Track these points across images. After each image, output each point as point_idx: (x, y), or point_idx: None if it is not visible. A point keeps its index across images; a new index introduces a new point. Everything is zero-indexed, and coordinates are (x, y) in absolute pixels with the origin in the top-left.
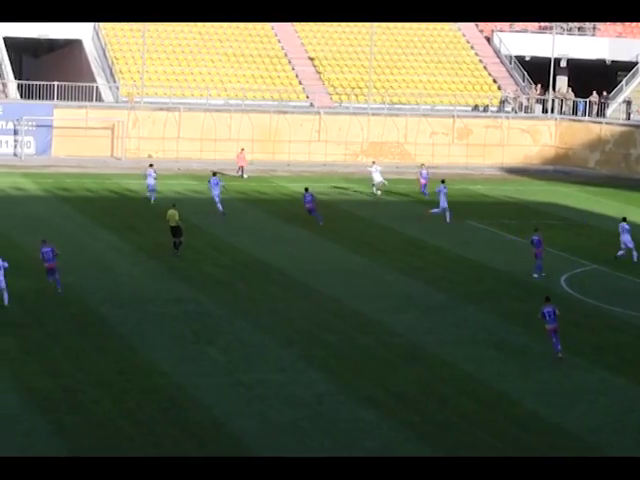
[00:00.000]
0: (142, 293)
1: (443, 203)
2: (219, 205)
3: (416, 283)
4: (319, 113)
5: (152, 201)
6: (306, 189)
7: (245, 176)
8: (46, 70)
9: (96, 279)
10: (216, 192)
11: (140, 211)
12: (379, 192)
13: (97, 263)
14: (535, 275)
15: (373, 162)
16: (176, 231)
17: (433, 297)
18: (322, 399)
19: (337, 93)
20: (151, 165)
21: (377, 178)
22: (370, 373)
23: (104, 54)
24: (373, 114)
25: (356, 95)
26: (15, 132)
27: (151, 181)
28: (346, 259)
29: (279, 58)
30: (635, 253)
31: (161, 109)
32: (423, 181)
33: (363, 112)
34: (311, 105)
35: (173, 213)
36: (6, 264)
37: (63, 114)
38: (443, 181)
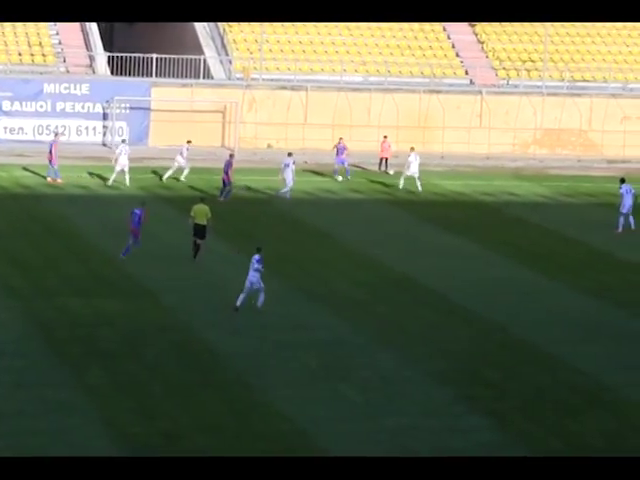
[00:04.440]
0: (261, 317)
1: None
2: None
3: (604, 306)
4: (481, 93)
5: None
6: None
7: (391, 172)
8: (142, 40)
9: (204, 299)
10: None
11: (256, 216)
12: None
13: (205, 279)
14: None
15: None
16: (200, 231)
17: (627, 324)
18: (486, 451)
19: (504, 68)
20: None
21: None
22: (545, 420)
23: None
24: (549, 94)
25: (528, 70)
26: (104, 117)
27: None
28: (516, 276)
29: (432, 25)
30: None
31: (284, 88)
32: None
33: (536, 91)
34: (471, 83)
35: (202, 208)
36: (261, 267)
37: (163, 94)
38: (623, 180)
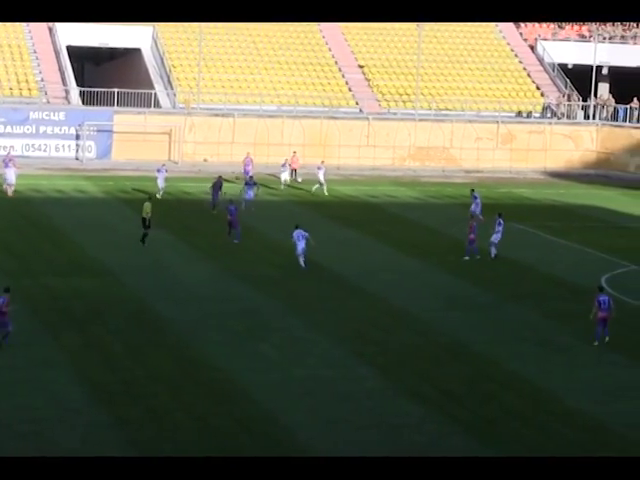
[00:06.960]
0: (198, 291)
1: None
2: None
3: (462, 283)
4: (368, 119)
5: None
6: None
7: (299, 179)
8: (107, 77)
9: (154, 278)
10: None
11: (196, 212)
12: None
13: (155, 263)
14: (467, 258)
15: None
16: (145, 223)
17: (479, 297)
18: (371, 394)
19: (385, 100)
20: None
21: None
22: (417, 369)
23: (162, 62)
24: (420, 120)
25: (404, 102)
26: (77, 137)
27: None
28: (395, 260)
29: (330, 66)
30: None
31: (216, 115)
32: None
33: (410, 118)
34: (360, 111)
35: (148, 205)
36: (307, 234)
37: (123, 119)
38: (473, 190)
